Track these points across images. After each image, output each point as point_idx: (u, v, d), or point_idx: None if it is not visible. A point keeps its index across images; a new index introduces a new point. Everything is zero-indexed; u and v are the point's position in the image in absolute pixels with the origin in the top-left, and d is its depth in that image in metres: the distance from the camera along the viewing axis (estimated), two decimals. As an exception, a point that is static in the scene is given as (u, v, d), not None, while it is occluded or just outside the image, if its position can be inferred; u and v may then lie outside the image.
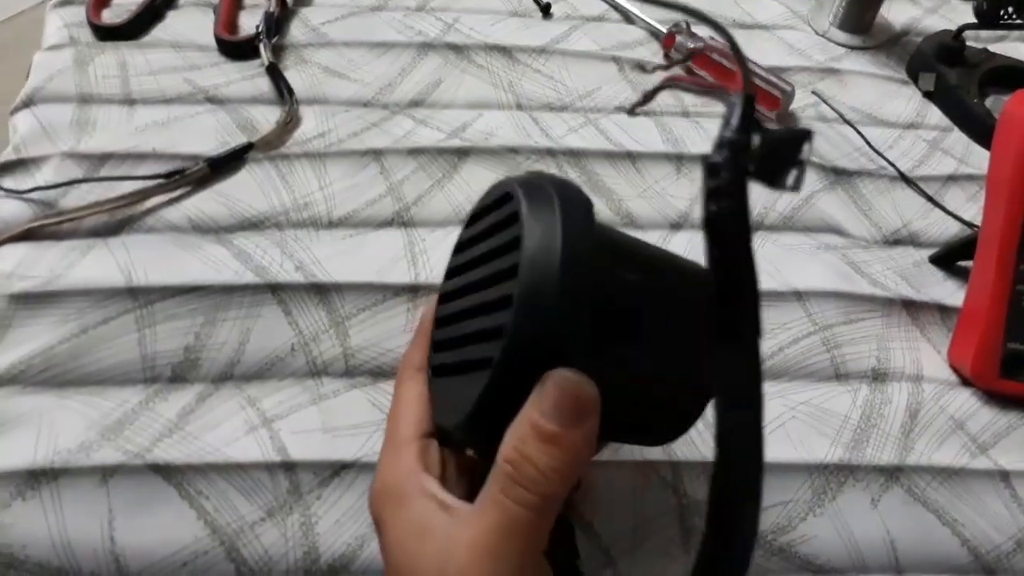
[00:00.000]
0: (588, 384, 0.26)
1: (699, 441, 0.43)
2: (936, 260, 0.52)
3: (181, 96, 0.56)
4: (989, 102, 0.62)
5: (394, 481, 0.30)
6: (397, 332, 0.45)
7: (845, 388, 0.45)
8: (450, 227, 0.50)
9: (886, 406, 0.45)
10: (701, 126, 0.59)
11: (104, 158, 0.51)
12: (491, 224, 0.30)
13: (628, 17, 0.68)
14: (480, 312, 0.28)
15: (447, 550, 0.27)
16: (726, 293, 0.25)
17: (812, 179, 0.55)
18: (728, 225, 0.24)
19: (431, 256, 0.48)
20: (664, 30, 0.64)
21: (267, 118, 0.55)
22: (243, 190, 0.51)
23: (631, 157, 0.56)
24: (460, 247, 0.33)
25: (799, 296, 0.48)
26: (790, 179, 0.24)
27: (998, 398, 0.46)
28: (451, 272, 0.33)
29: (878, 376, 0.46)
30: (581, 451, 0.27)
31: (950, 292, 0.51)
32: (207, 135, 0.54)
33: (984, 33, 0.69)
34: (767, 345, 0.46)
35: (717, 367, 0.25)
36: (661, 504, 0.41)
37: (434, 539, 0.28)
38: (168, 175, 0.50)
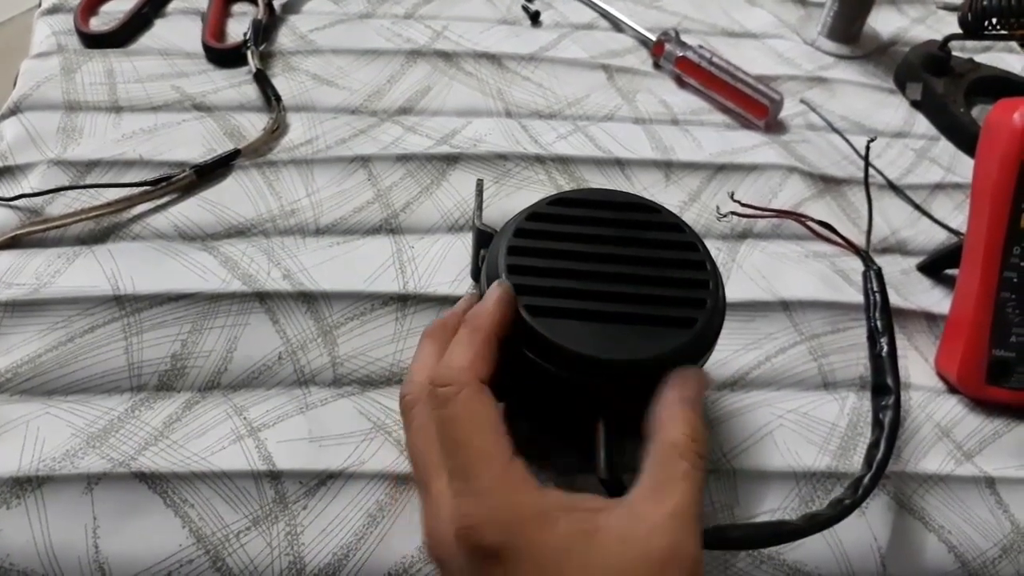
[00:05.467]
0: None
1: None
2: (923, 268, 0.52)
3: (168, 103, 0.56)
4: (975, 112, 0.62)
5: (523, 501, 0.30)
6: (385, 341, 0.45)
7: (833, 396, 0.45)
8: (438, 234, 0.50)
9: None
10: (690, 134, 0.59)
11: (91, 165, 0.51)
12: (638, 220, 0.38)
13: (617, 25, 0.68)
14: (668, 284, 0.36)
15: (636, 536, 0.29)
16: None
17: (801, 187, 0.56)
18: None
19: (419, 264, 0.48)
20: (653, 38, 0.64)
21: (254, 125, 0.55)
22: (230, 197, 0.51)
23: (620, 164, 0.56)
24: (524, 232, 0.37)
25: (786, 306, 0.49)
26: None
27: (984, 405, 0.46)
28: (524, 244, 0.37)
29: (865, 384, 0.46)
30: None
31: (937, 300, 0.51)
32: (194, 142, 0.53)
33: (970, 44, 0.69)
34: (754, 355, 0.46)
35: None
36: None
37: (609, 536, 0.29)
38: (155, 182, 0.50)
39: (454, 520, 0.30)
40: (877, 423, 0.43)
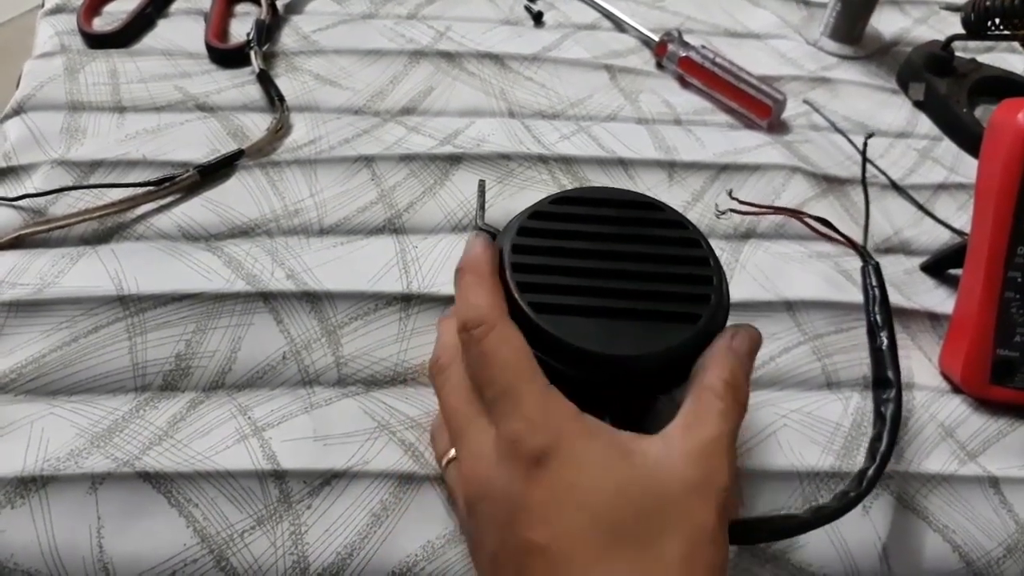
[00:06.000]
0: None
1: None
2: (927, 268, 0.52)
3: (171, 104, 0.56)
4: (978, 112, 0.62)
5: (567, 415, 0.31)
6: (389, 341, 0.45)
7: (836, 396, 0.45)
8: (442, 234, 0.50)
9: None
10: (693, 134, 0.59)
11: (94, 165, 0.51)
12: (641, 217, 0.38)
13: (620, 25, 0.68)
14: (672, 280, 0.36)
15: (670, 461, 0.31)
16: None
17: (804, 187, 0.56)
18: None
19: (423, 264, 0.48)
20: (656, 38, 0.64)
21: (258, 125, 0.55)
22: (233, 197, 0.51)
23: (623, 164, 0.56)
24: (528, 231, 0.37)
25: (789, 306, 0.49)
26: None
27: (988, 405, 0.46)
28: (529, 241, 0.37)
29: (869, 384, 0.46)
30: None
31: (940, 300, 0.51)
32: (197, 142, 0.53)
33: (972, 44, 0.69)
34: (758, 355, 0.46)
35: None
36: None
37: (645, 458, 0.31)
38: (158, 182, 0.50)
39: (500, 441, 0.31)
40: (879, 416, 0.43)
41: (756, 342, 0.35)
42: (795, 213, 0.53)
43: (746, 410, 0.33)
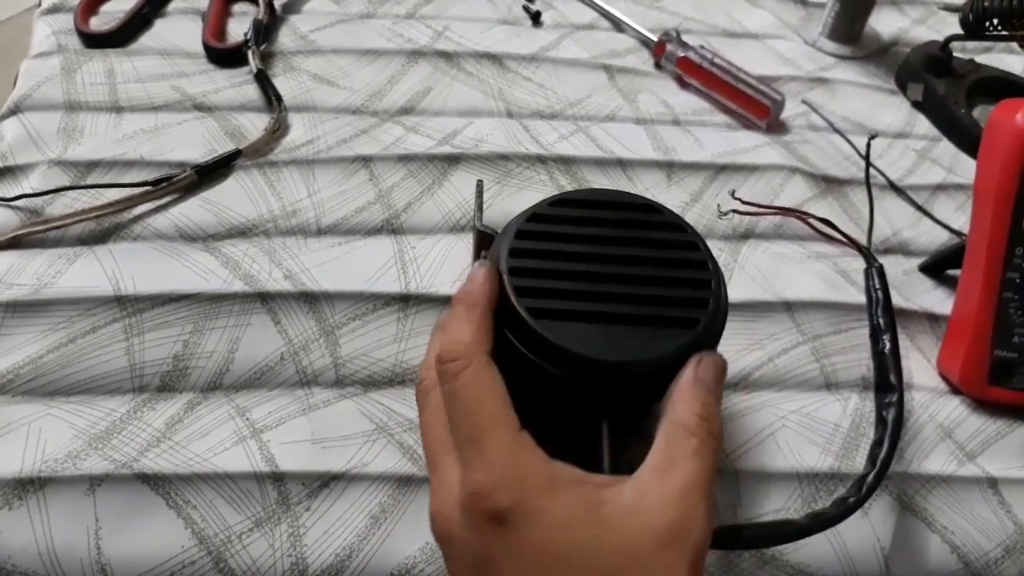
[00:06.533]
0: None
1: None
2: (925, 269, 0.52)
3: (169, 103, 0.56)
4: (976, 112, 0.62)
5: (532, 470, 0.30)
6: (387, 342, 0.45)
7: (835, 397, 0.45)
8: (440, 234, 0.50)
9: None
10: (692, 134, 0.59)
11: (91, 166, 0.51)
12: (639, 220, 0.38)
13: (618, 25, 0.68)
14: (671, 284, 0.35)
15: (642, 510, 0.29)
16: None
17: (803, 187, 0.55)
18: None
19: (421, 264, 0.48)
20: (654, 38, 0.64)
21: (255, 125, 0.55)
22: (231, 198, 0.51)
23: (622, 164, 0.56)
24: (525, 234, 0.37)
25: (788, 307, 0.48)
26: None
27: (986, 406, 0.46)
28: (527, 245, 0.37)
29: (868, 385, 0.46)
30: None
31: (939, 300, 0.51)
32: (195, 142, 0.53)
33: (971, 44, 0.69)
34: (756, 356, 0.46)
35: None
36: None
37: (617, 507, 0.29)
38: (155, 182, 0.49)
39: (463, 489, 0.30)
40: (880, 421, 0.43)
41: (722, 368, 0.34)
42: (799, 214, 0.53)
43: (721, 442, 0.32)
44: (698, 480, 0.30)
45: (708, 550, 0.30)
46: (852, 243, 0.52)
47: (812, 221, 0.53)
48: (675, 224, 0.38)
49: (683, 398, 0.32)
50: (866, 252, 0.51)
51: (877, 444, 0.41)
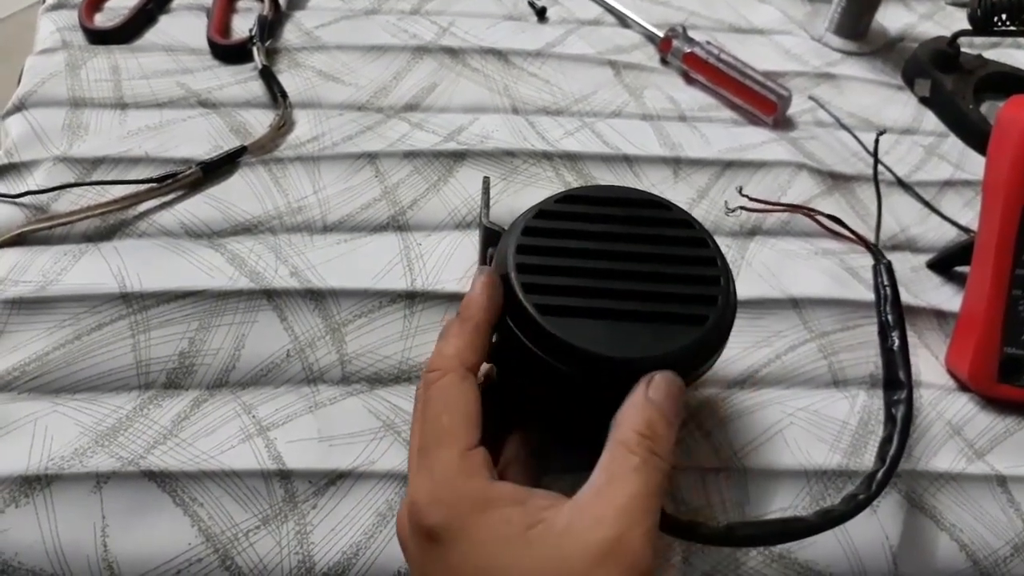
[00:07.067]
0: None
1: (697, 447, 0.42)
2: (933, 265, 0.52)
3: (174, 100, 0.56)
4: (984, 108, 0.62)
5: (469, 489, 0.30)
6: (394, 339, 0.45)
7: (843, 394, 0.45)
8: (446, 231, 0.50)
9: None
10: (698, 130, 0.58)
11: (96, 162, 0.51)
12: (647, 217, 0.38)
13: (624, 21, 0.67)
14: (679, 281, 0.35)
15: (577, 530, 0.29)
16: None
17: (810, 184, 0.55)
18: None
19: (427, 261, 0.48)
20: (660, 34, 0.64)
21: (260, 122, 0.55)
22: (236, 194, 0.50)
23: (628, 161, 0.55)
24: (533, 231, 0.37)
25: (795, 304, 0.48)
26: None
27: (995, 403, 0.46)
28: (534, 241, 0.37)
29: (876, 382, 0.46)
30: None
31: (947, 297, 0.51)
32: (200, 139, 0.53)
33: (978, 40, 0.69)
34: (764, 353, 0.46)
35: None
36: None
37: (550, 528, 0.29)
38: (160, 179, 0.49)
39: (406, 497, 0.32)
40: (890, 418, 0.42)
41: (676, 387, 0.33)
42: (806, 210, 0.53)
43: (669, 463, 0.31)
44: (637, 497, 0.29)
45: (653, 573, 0.29)
46: (860, 240, 0.52)
47: (820, 218, 0.52)
48: (683, 220, 0.38)
49: (627, 416, 0.32)
50: (874, 248, 0.50)
51: (887, 441, 0.41)
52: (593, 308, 0.34)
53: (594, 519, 0.29)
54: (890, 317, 0.46)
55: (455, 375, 0.33)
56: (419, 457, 0.32)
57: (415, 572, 0.32)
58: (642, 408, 0.32)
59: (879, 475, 0.39)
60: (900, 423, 0.41)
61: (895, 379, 0.44)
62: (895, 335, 0.45)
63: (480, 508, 0.30)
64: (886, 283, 0.48)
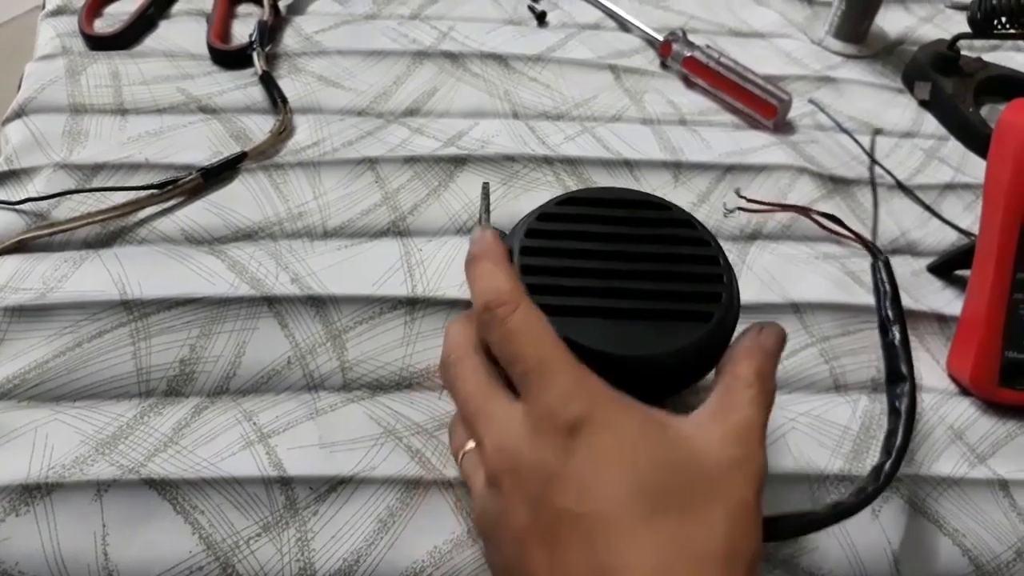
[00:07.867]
0: None
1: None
2: (934, 269, 0.52)
3: (174, 106, 0.56)
4: (985, 111, 0.62)
5: (601, 387, 0.31)
6: (395, 345, 0.45)
7: (844, 399, 0.45)
8: (447, 236, 0.50)
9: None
10: (699, 134, 0.58)
11: (96, 169, 0.51)
12: (649, 217, 0.38)
13: (624, 25, 0.68)
14: (683, 279, 0.36)
15: (706, 440, 0.31)
16: None
17: (810, 187, 0.55)
18: None
19: (428, 267, 0.48)
20: (660, 38, 0.64)
21: (260, 127, 0.55)
22: (237, 200, 0.50)
23: (628, 165, 0.55)
24: (536, 233, 0.37)
25: (796, 308, 0.48)
26: None
27: (997, 407, 0.46)
28: (537, 241, 0.37)
29: (877, 387, 0.46)
30: None
31: (948, 301, 0.51)
32: (200, 145, 0.53)
33: (978, 43, 0.69)
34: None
35: None
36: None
37: (681, 432, 0.31)
38: (161, 185, 0.49)
39: (532, 413, 0.31)
40: (893, 411, 0.43)
41: (782, 338, 0.35)
42: (803, 210, 0.53)
43: (773, 404, 0.33)
44: (755, 423, 0.32)
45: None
46: (857, 237, 0.51)
47: (816, 216, 0.52)
48: (685, 221, 0.38)
49: (742, 355, 0.34)
50: (871, 246, 0.50)
51: (891, 434, 0.41)
52: (599, 308, 0.35)
53: (720, 435, 0.31)
54: (890, 312, 0.46)
55: (528, 303, 0.33)
56: (531, 377, 0.32)
57: (534, 488, 0.30)
58: (756, 352, 0.34)
59: (886, 467, 0.39)
60: (904, 415, 0.41)
61: (897, 372, 0.44)
62: (895, 329, 0.45)
63: (618, 403, 0.31)
64: (884, 279, 0.48)
